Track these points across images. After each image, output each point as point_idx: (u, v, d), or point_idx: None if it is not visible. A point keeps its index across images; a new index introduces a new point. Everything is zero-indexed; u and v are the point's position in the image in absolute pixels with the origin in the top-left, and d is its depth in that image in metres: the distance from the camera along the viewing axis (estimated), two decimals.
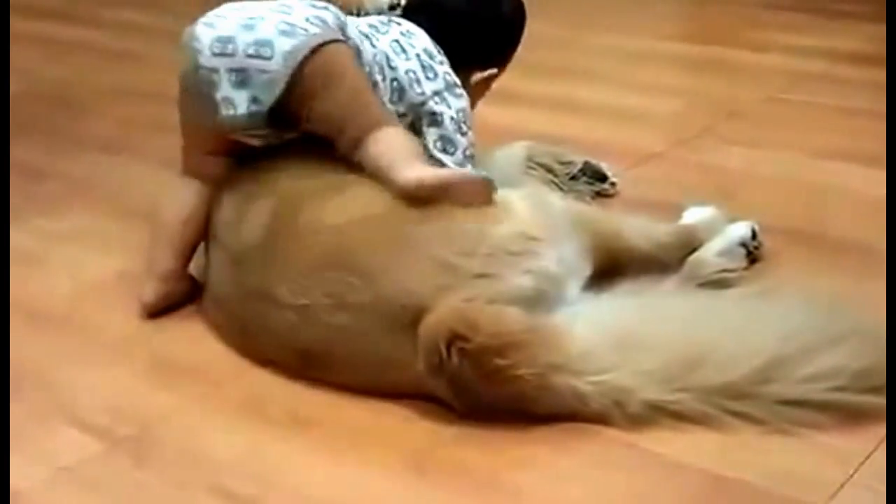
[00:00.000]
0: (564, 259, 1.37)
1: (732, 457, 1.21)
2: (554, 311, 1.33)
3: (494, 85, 1.80)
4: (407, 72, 1.61)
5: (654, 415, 1.24)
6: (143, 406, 1.37)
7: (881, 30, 2.96)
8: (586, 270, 1.42)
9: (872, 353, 1.27)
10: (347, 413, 1.32)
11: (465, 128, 1.64)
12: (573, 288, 1.38)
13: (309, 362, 1.37)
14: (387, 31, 1.64)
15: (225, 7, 1.56)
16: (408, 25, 1.68)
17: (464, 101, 1.65)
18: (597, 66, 2.76)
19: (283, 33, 1.47)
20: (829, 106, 2.39)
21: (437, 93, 1.62)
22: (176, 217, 1.58)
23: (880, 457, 1.20)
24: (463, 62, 1.68)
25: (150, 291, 1.57)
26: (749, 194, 1.91)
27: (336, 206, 1.39)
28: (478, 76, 1.73)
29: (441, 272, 1.29)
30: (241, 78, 1.46)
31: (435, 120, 1.62)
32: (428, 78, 1.62)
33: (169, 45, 3.14)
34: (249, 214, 1.46)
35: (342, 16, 1.59)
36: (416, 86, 1.61)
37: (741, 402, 1.23)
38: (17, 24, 3.32)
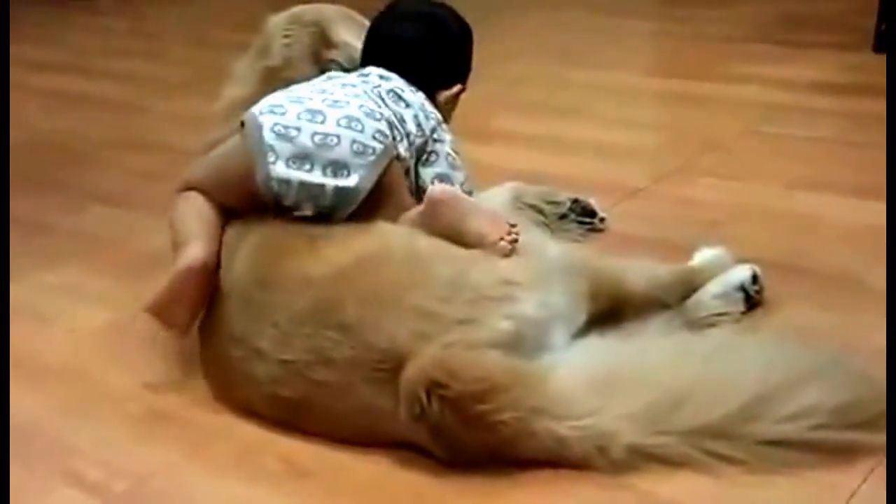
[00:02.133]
0: (548, 304, 1.32)
1: (726, 493, 1.16)
2: (537, 357, 1.28)
3: (478, 122, 1.76)
4: (413, 119, 1.55)
5: (637, 458, 1.19)
6: (138, 460, 1.31)
7: (850, 59, 2.94)
8: (578, 317, 1.37)
9: (849, 387, 1.22)
10: (342, 462, 1.27)
11: (458, 162, 1.60)
12: (559, 334, 1.33)
13: (293, 414, 1.31)
14: (378, 85, 1.58)
15: (293, 110, 1.45)
16: (378, 71, 1.63)
17: (450, 134, 1.61)
18: (576, 102, 2.72)
19: (357, 154, 1.42)
20: (804, 137, 2.35)
21: (433, 130, 1.58)
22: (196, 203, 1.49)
23: (868, 489, 1.15)
24: (426, 87, 1.65)
25: (197, 248, 1.41)
26: (730, 227, 1.87)
27: (317, 257, 1.34)
28: (444, 95, 1.69)
29: (419, 320, 1.24)
30: (316, 192, 1.41)
31: (429, 159, 1.57)
32: (427, 117, 1.58)
33: (170, 96, 3.15)
34: (238, 257, 1.40)
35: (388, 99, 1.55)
36: (417, 130, 1.56)
37: (722, 443, 1.18)
38: (17, 77, 3.29)
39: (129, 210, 2.19)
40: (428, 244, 1.36)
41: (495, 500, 1.18)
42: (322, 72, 1.68)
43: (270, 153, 1.41)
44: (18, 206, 2.21)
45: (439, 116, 1.62)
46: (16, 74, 3.33)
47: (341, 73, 1.66)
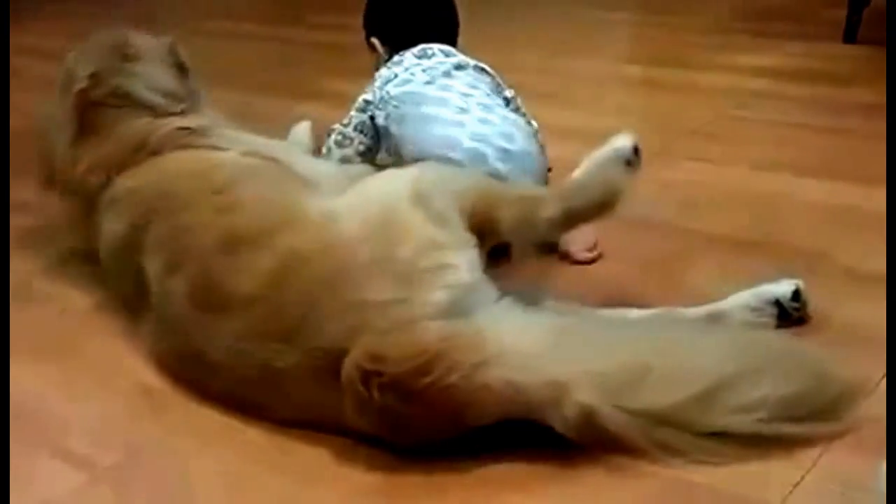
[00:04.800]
0: (473, 261, 1.23)
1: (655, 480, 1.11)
2: (475, 310, 1.19)
3: None
4: None
5: (587, 423, 1.10)
6: (126, 434, 1.27)
7: (819, 48, 2.93)
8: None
9: (799, 379, 1.15)
10: (327, 437, 1.22)
11: None
12: (483, 282, 1.23)
13: (263, 413, 1.26)
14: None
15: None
16: (440, 50, 1.86)
17: None
18: (557, 90, 2.69)
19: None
20: (777, 122, 2.33)
21: None
22: None
23: (829, 459, 1.12)
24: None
25: None
26: (706, 207, 1.85)
27: (244, 272, 1.25)
28: None
29: (351, 312, 1.17)
30: None
31: None
32: None
33: None
34: (171, 286, 1.33)
35: None
36: None
37: (667, 431, 1.11)
38: (13, 63, 3.22)
39: None
40: (344, 227, 1.25)
41: (472, 473, 1.14)
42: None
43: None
44: (17, 192, 2.14)
45: None
46: (12, 61, 3.25)
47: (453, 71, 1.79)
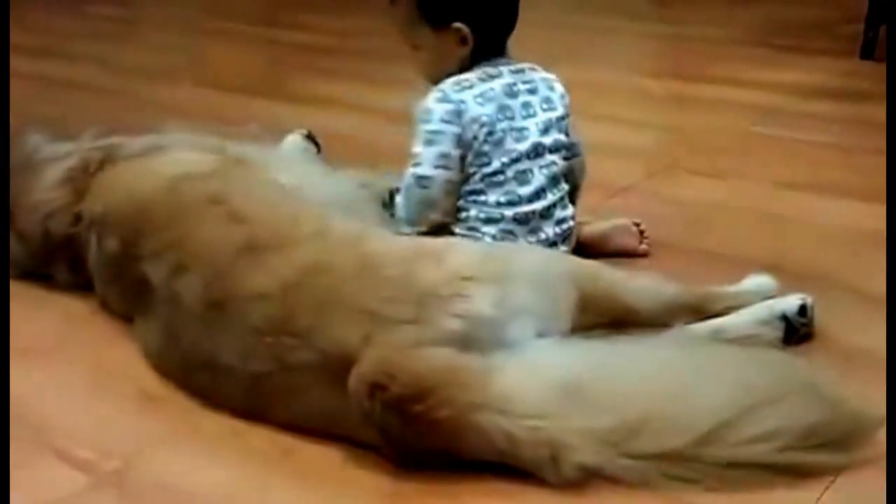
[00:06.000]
0: (506, 301, 1.23)
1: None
2: (495, 354, 1.21)
3: None
4: None
5: (589, 477, 1.12)
6: (128, 439, 1.28)
7: (838, 64, 2.95)
8: (555, 320, 1.28)
9: (815, 409, 1.17)
10: (331, 442, 1.23)
11: None
12: (522, 329, 1.24)
13: (269, 417, 1.28)
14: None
15: None
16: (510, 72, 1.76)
17: None
18: (573, 101, 2.71)
19: None
20: (792, 139, 2.34)
21: None
22: None
23: (843, 483, 1.14)
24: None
25: None
26: (716, 225, 1.86)
27: (265, 271, 1.29)
28: None
29: (366, 321, 1.20)
30: None
31: None
32: None
33: (154, 83, 3.11)
34: (181, 287, 1.35)
35: None
36: None
37: (684, 467, 1.12)
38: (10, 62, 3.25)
39: None
40: (377, 246, 1.31)
41: (477, 479, 1.15)
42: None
43: None
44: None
45: None
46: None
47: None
